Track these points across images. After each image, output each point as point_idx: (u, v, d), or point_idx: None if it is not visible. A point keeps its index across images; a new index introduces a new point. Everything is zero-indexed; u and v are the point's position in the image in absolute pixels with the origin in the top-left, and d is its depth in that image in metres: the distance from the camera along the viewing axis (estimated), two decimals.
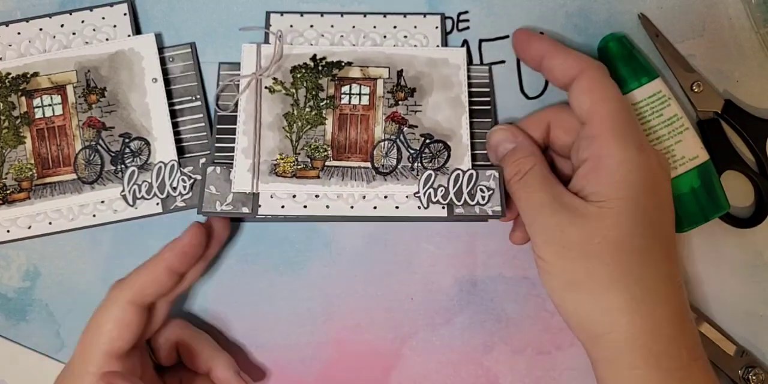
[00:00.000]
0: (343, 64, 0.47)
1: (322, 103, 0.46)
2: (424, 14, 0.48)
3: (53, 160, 0.46)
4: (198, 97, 0.47)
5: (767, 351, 0.46)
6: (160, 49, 0.47)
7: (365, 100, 0.46)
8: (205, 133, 0.47)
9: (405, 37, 0.47)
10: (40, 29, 0.47)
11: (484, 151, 0.46)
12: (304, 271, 0.47)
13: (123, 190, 0.45)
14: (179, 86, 0.47)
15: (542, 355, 0.46)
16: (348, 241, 0.47)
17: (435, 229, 0.47)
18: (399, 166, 0.45)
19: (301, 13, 0.47)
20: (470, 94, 0.46)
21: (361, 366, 0.46)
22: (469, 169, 0.45)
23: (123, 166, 0.46)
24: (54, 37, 0.47)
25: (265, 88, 0.46)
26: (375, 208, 0.45)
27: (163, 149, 0.46)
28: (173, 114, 0.47)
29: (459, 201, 0.44)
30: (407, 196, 0.45)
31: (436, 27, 0.47)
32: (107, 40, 0.47)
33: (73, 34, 0.47)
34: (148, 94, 0.46)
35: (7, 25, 0.48)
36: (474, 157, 0.46)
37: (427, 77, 0.46)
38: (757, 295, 0.47)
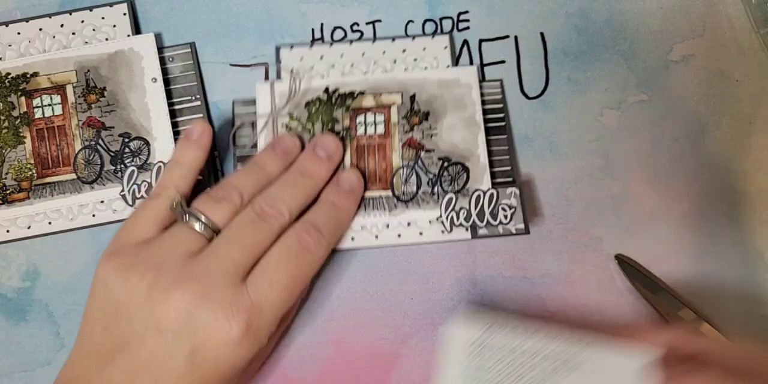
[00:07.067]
0: (355, 93, 0.46)
1: (339, 136, 0.46)
2: (432, 35, 0.48)
3: (53, 160, 0.46)
4: (198, 97, 0.47)
5: None
6: (160, 49, 0.47)
7: (380, 129, 0.46)
8: None
9: (415, 60, 0.47)
10: (40, 29, 0.47)
11: (503, 168, 0.46)
12: None
13: (122, 190, 0.45)
14: (179, 86, 0.47)
15: None
16: None
17: None
18: (419, 192, 0.45)
19: (310, 45, 0.47)
20: (484, 112, 0.46)
21: (360, 366, 0.46)
22: (489, 189, 0.45)
23: (122, 165, 0.46)
24: (54, 37, 0.47)
25: (282, 125, 0.46)
26: (399, 236, 0.45)
27: (163, 149, 0.46)
28: (173, 114, 0.47)
29: (482, 222, 0.44)
30: (430, 221, 0.45)
31: (445, 47, 0.47)
32: (107, 40, 0.47)
33: (73, 34, 0.47)
34: (147, 94, 0.46)
35: (6, 25, 0.48)
36: (493, 175, 0.46)
37: (439, 99, 0.46)
38: (757, 295, 0.46)
